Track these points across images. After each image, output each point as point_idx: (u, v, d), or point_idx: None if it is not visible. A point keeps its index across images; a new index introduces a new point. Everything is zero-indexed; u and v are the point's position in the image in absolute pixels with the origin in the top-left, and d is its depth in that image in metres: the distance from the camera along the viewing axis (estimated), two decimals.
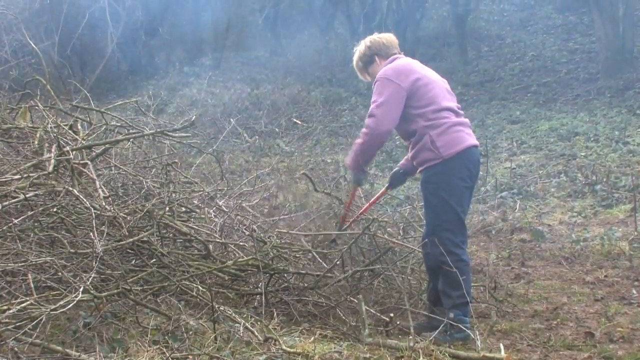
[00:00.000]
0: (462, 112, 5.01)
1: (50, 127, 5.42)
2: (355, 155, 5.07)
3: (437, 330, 4.52)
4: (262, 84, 18.56)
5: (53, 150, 4.99)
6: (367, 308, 4.82)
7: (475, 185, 5.10)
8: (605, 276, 6.35)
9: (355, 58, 5.30)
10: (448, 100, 4.95)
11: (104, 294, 4.09)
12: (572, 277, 6.44)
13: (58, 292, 3.97)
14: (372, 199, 5.88)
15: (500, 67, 18.81)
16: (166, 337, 4.06)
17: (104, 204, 4.59)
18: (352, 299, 5.16)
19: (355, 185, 5.40)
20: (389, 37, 5.26)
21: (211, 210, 5.96)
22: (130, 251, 4.93)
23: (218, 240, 5.49)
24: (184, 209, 5.80)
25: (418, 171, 5.09)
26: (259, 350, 4.03)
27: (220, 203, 6.17)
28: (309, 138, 15.10)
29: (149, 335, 4.07)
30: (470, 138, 4.91)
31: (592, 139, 12.34)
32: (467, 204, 5.05)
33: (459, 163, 4.83)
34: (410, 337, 4.31)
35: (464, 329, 4.66)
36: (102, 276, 4.44)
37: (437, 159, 4.81)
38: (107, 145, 5.69)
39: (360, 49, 5.27)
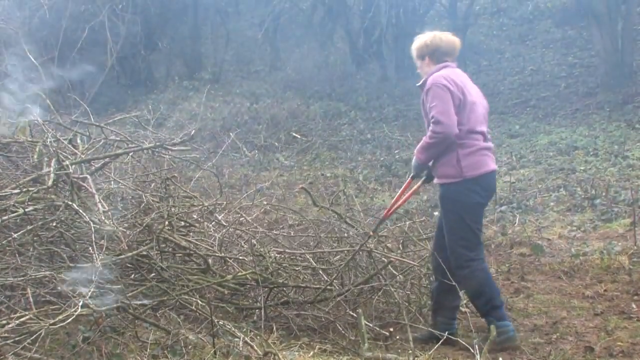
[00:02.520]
0: (490, 137, 5.16)
1: (50, 142, 5.41)
2: (423, 150, 5.03)
3: (488, 342, 4.49)
4: (262, 98, 18.56)
5: (52, 164, 4.99)
6: (367, 322, 4.81)
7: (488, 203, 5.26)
8: (605, 290, 6.34)
9: (413, 45, 5.30)
10: (482, 125, 5.08)
11: (103, 308, 4.08)
12: (572, 292, 6.43)
13: (57, 306, 3.97)
14: (408, 194, 5.62)
15: (499, 81, 18.82)
16: (165, 352, 4.06)
17: (103, 218, 4.59)
18: (351, 313, 5.16)
19: (414, 177, 5.34)
20: (450, 42, 5.27)
21: (210, 225, 5.95)
22: (129, 265, 4.93)
23: (217, 254, 5.48)
24: (183, 223, 5.80)
25: (435, 181, 5.15)
26: None
27: (220, 217, 6.17)
28: (309, 152, 15.09)
29: (148, 350, 4.06)
30: (492, 163, 5.09)
31: (591, 153, 12.33)
32: (482, 220, 5.20)
33: (476, 184, 4.96)
34: (410, 351, 4.31)
35: (503, 332, 4.78)
36: (102, 290, 4.43)
37: (457, 178, 4.93)
38: (106, 160, 5.69)
39: (420, 40, 5.28)
